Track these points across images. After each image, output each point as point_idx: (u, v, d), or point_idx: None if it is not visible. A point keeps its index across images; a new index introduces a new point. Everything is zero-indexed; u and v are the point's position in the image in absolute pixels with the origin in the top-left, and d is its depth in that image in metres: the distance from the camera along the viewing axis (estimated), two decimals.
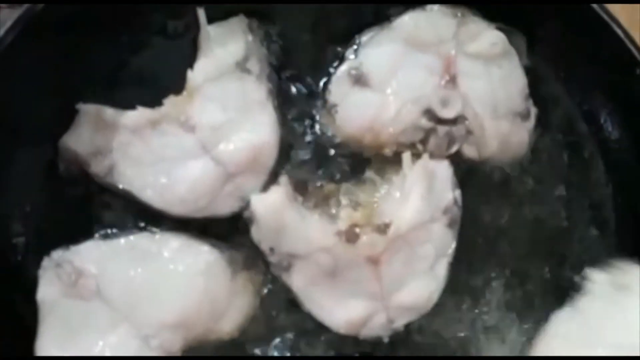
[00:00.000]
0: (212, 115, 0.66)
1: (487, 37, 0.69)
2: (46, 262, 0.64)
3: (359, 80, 0.69)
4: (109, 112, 0.66)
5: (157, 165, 0.66)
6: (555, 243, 0.72)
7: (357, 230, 0.64)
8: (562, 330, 0.65)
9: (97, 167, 0.66)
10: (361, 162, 0.70)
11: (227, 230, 0.68)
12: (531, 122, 0.71)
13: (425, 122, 0.68)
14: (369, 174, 0.70)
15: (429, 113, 0.68)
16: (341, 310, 0.66)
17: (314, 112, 0.71)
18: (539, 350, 0.65)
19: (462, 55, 0.69)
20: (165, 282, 0.64)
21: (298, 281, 0.66)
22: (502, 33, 0.69)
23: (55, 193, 0.68)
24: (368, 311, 0.66)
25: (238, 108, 0.66)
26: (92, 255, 0.64)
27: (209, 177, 0.66)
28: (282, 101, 0.70)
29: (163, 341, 0.63)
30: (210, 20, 0.67)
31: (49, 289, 0.63)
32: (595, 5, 0.65)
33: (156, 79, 0.69)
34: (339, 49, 0.71)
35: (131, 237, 0.66)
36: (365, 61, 0.69)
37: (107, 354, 0.62)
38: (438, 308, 0.67)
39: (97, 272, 0.63)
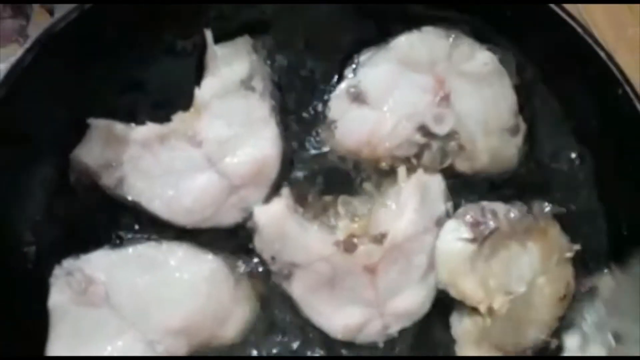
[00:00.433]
0: (218, 131, 0.67)
1: (479, 57, 0.70)
2: (57, 271, 0.65)
3: (357, 97, 0.70)
4: (119, 127, 0.67)
5: (165, 177, 0.67)
6: None
7: (355, 240, 0.66)
8: None
9: (108, 179, 0.67)
10: (358, 175, 0.71)
11: (231, 240, 0.69)
12: (520, 138, 0.73)
13: (419, 138, 0.70)
14: (366, 186, 0.71)
15: (423, 129, 0.69)
16: (339, 317, 0.67)
17: (315, 127, 0.72)
18: None
19: (455, 74, 0.70)
20: (171, 289, 0.65)
21: (298, 289, 0.67)
22: (493, 54, 0.71)
23: (65, 204, 0.68)
24: (364, 318, 0.67)
25: (243, 124, 0.68)
26: (101, 264, 0.65)
27: (214, 189, 0.67)
28: (284, 117, 0.71)
29: (168, 346, 0.64)
30: (217, 40, 0.68)
31: (60, 296, 0.64)
32: (580, 30, 0.66)
33: (163, 95, 0.70)
34: (339, 68, 0.72)
35: (139, 247, 0.67)
36: (364, 80, 0.70)
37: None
38: None
39: (106, 279, 0.64)
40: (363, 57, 0.72)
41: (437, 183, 0.70)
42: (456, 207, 0.70)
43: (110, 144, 0.67)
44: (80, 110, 0.67)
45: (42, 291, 0.65)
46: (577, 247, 0.70)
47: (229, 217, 0.69)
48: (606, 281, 0.71)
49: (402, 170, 0.69)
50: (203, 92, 0.68)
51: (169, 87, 0.70)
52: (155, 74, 0.70)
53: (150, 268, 0.66)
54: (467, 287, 0.66)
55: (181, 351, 0.65)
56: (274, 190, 0.69)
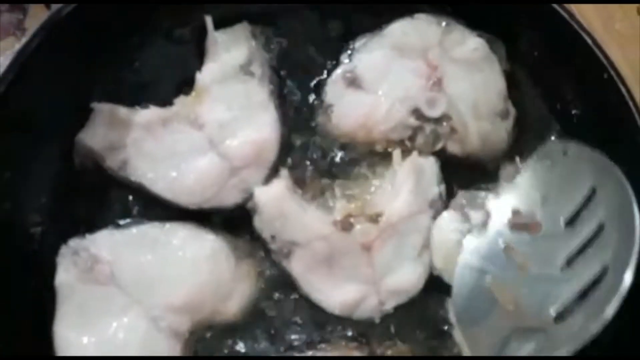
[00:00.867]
0: (219, 114, 0.69)
1: (470, 43, 0.73)
2: (64, 250, 0.66)
3: (352, 82, 0.72)
4: (122, 110, 0.68)
5: (168, 159, 0.68)
6: None
7: (352, 220, 0.68)
8: None
9: (112, 162, 0.68)
10: (354, 158, 0.73)
11: (232, 220, 0.71)
12: (510, 122, 0.74)
13: (413, 121, 0.71)
14: (362, 169, 0.73)
15: (417, 112, 0.71)
16: (336, 294, 0.69)
17: (312, 111, 0.74)
18: None
19: (446, 59, 0.72)
20: (174, 267, 0.67)
21: (297, 267, 0.69)
22: (484, 40, 0.73)
23: (70, 186, 0.70)
24: (361, 294, 0.69)
25: (242, 107, 0.69)
26: (106, 243, 0.67)
27: (215, 170, 0.69)
28: (283, 101, 0.73)
29: (171, 322, 0.65)
30: (217, 26, 0.69)
31: (66, 275, 0.66)
32: (567, 17, 0.68)
33: (162, 79, 0.72)
34: (335, 53, 0.74)
35: (143, 227, 0.68)
36: (359, 65, 0.72)
37: (120, 335, 0.65)
38: None
39: (112, 258, 0.66)
40: (358, 43, 0.74)
41: (430, 165, 0.72)
42: (448, 189, 0.72)
43: (113, 127, 0.68)
44: (84, 94, 0.68)
45: (48, 271, 0.66)
46: None
47: (230, 198, 0.70)
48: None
49: (397, 153, 0.71)
50: (204, 76, 0.69)
51: (167, 72, 0.72)
52: (155, 59, 0.72)
53: (153, 247, 0.67)
54: None
55: (184, 327, 0.66)
56: (273, 172, 0.71)
